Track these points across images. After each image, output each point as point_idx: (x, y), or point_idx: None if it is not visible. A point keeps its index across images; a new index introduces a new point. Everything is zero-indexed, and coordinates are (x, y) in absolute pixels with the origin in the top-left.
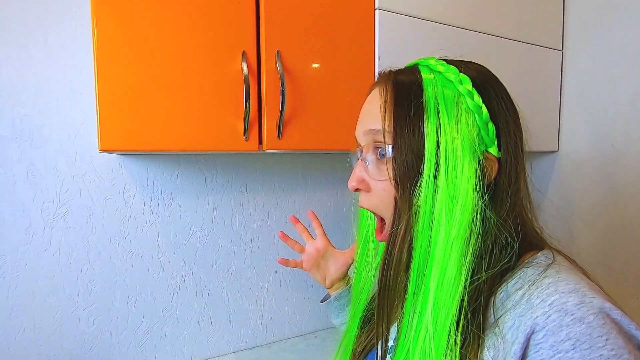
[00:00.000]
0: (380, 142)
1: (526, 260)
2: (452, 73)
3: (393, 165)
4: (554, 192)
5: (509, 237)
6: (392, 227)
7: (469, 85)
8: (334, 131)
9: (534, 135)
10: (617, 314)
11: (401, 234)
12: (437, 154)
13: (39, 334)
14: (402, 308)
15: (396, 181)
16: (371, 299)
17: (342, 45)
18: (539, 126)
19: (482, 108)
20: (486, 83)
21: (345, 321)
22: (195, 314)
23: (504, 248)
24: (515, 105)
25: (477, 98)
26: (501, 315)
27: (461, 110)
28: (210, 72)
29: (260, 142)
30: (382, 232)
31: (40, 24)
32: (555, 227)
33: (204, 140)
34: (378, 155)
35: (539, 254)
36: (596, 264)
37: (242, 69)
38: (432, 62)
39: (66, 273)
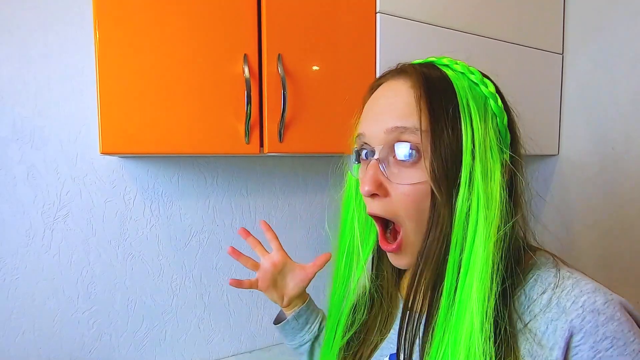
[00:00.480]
0: (408, 141)
1: (530, 262)
2: (475, 74)
3: (432, 167)
4: (554, 195)
5: (526, 240)
6: (427, 236)
7: (492, 88)
8: (334, 134)
9: (535, 139)
10: (631, 307)
11: (438, 242)
12: (473, 156)
13: (38, 336)
14: (433, 326)
15: (437, 184)
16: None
17: (343, 48)
18: (540, 129)
19: (504, 112)
20: (499, 89)
21: (303, 342)
22: (195, 317)
23: (522, 251)
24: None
25: (500, 102)
26: (530, 321)
27: (488, 112)
28: (211, 75)
29: (262, 145)
30: (388, 242)
31: (40, 24)
32: (556, 230)
33: (205, 143)
34: (399, 156)
35: (538, 256)
36: (596, 267)
37: (243, 72)
38: (445, 61)
39: (66, 275)
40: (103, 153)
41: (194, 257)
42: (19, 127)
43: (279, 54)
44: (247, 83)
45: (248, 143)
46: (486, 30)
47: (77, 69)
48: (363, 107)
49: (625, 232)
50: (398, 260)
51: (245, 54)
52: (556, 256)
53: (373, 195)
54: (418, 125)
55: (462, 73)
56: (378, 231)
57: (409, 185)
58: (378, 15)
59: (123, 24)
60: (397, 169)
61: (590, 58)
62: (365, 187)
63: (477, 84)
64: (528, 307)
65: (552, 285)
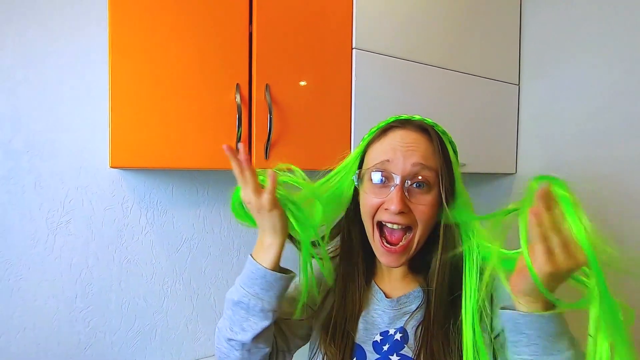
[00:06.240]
0: (427, 176)
1: None
2: (448, 135)
3: (446, 194)
4: None
5: None
6: (444, 240)
7: (454, 146)
8: (315, 153)
9: (495, 159)
10: None
11: (452, 237)
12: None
13: (38, 333)
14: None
15: (447, 203)
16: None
17: (323, 79)
18: (499, 151)
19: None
20: None
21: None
22: (184, 318)
23: None
24: None
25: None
26: None
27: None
28: (208, 101)
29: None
30: (391, 243)
31: (57, 48)
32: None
33: (201, 159)
34: (419, 185)
35: None
36: None
37: (235, 99)
38: (430, 121)
39: (66, 277)
40: (112, 167)
41: (185, 262)
42: (31, 141)
43: (266, 84)
44: (239, 108)
45: None
46: (450, 63)
47: (86, 91)
48: (370, 141)
49: None
50: (396, 260)
51: (237, 84)
52: None
53: (401, 213)
54: (434, 166)
55: (443, 133)
56: (377, 237)
57: (425, 205)
58: (354, 50)
59: (134, 58)
60: (413, 193)
61: (543, 89)
62: (397, 207)
63: (451, 142)
64: None
65: None
